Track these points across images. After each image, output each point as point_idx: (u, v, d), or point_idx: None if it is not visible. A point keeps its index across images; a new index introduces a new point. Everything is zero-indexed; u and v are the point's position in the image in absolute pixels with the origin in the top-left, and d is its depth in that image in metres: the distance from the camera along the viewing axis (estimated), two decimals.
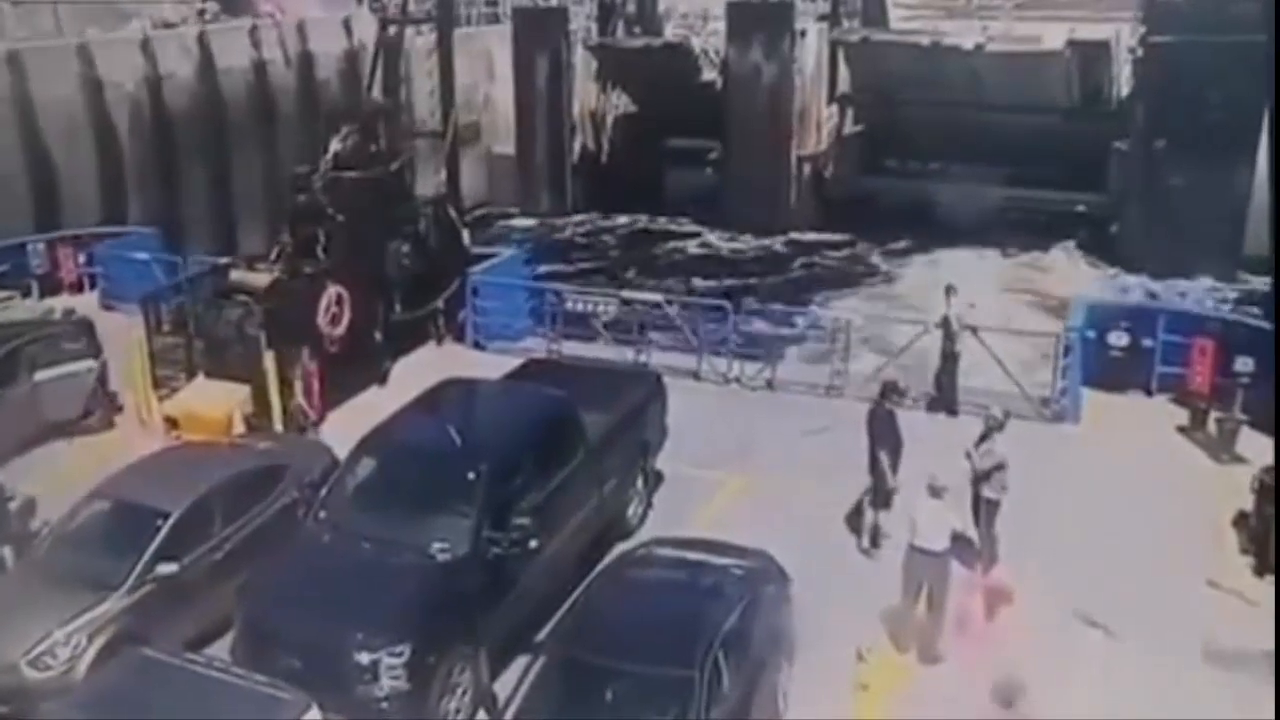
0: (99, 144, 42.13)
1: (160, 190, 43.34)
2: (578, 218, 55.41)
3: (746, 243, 51.38)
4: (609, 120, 56.77)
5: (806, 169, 51.79)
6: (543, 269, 38.22)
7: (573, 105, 55.71)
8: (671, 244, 52.69)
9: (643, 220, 54.94)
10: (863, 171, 54.02)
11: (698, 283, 45.14)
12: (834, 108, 53.46)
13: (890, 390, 20.26)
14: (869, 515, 19.54)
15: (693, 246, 52.32)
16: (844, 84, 53.59)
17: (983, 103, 48.65)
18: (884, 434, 19.47)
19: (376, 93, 29.16)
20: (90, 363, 24.88)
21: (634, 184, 54.59)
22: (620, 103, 56.98)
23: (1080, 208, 49.38)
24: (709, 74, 54.31)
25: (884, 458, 19.30)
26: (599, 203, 55.49)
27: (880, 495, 19.35)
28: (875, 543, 19.34)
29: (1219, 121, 41.15)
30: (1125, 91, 47.63)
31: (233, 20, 48.95)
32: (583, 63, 56.01)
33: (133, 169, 42.97)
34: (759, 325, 28.42)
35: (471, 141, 52.79)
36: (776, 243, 50.90)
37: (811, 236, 51.01)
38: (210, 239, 41.77)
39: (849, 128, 54.36)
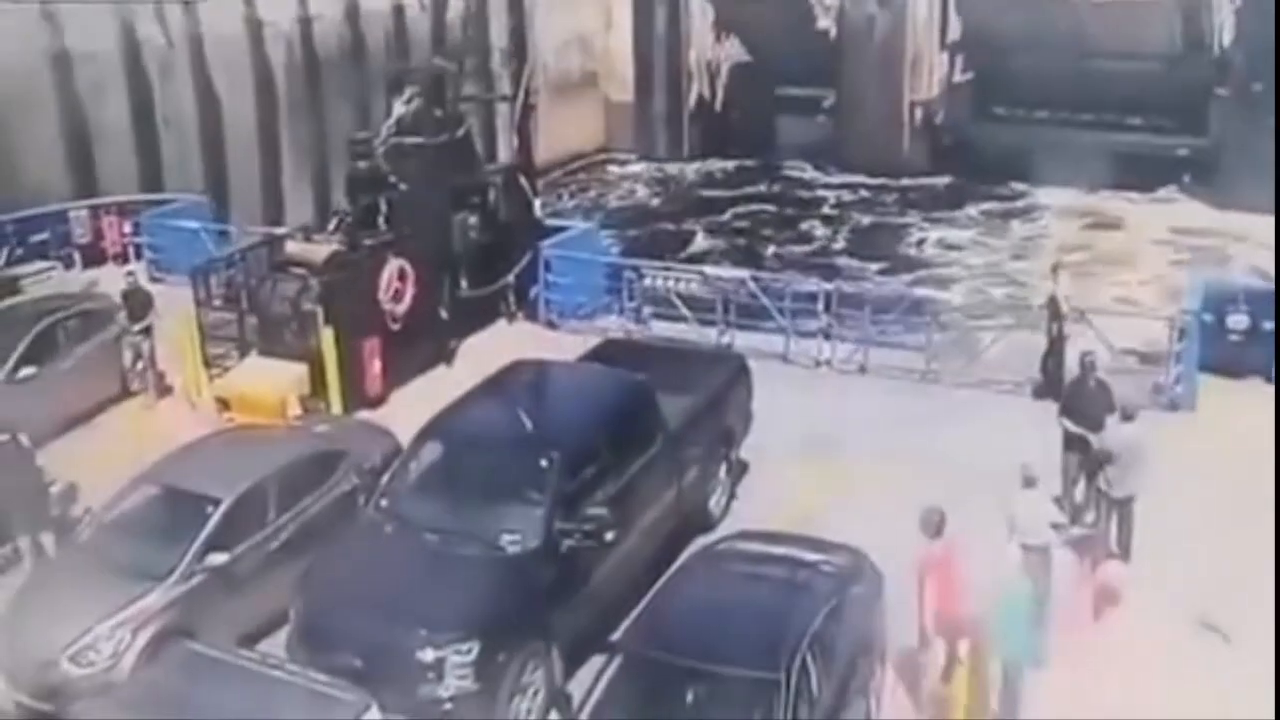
0: (258, 83, 43.08)
1: (311, 136, 44.32)
2: (696, 163, 58.92)
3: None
4: (724, 69, 59.69)
5: (919, 115, 54.84)
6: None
7: (689, 54, 58.73)
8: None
9: (760, 161, 58.08)
10: (973, 117, 56.55)
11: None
12: (945, 55, 55.88)
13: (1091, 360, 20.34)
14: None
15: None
16: (954, 32, 55.86)
17: (1088, 50, 51.45)
18: (1092, 412, 19.38)
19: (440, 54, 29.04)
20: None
21: (748, 130, 58.39)
22: (735, 52, 59.75)
23: (1183, 151, 51.81)
24: (823, 23, 56.76)
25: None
26: (714, 148, 58.86)
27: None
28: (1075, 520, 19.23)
29: None
30: (1227, 40, 50.45)
31: None
32: (699, 12, 58.77)
33: (286, 111, 43.96)
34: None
35: (587, 89, 57.56)
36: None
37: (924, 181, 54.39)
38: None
39: (959, 75, 56.76)
